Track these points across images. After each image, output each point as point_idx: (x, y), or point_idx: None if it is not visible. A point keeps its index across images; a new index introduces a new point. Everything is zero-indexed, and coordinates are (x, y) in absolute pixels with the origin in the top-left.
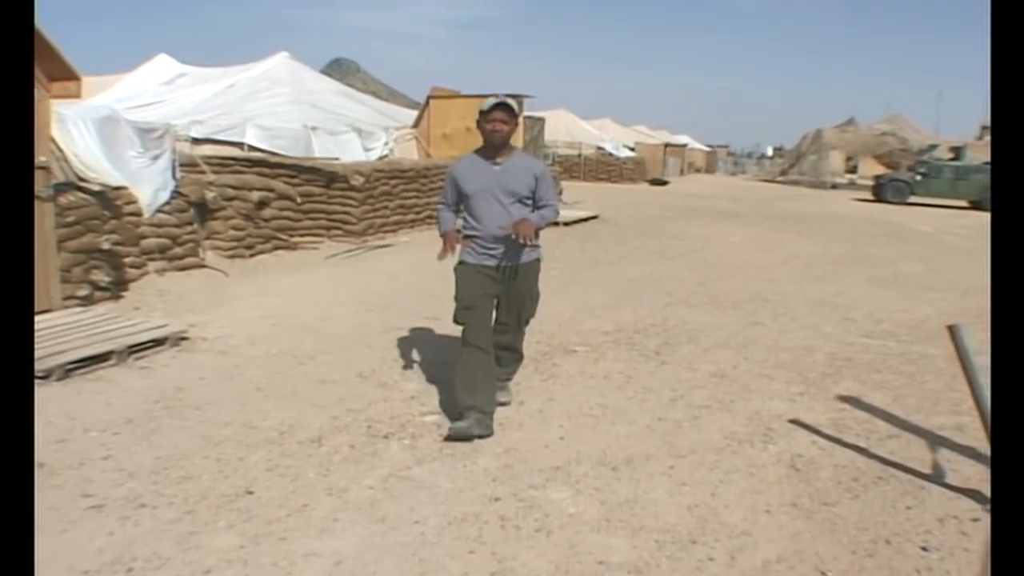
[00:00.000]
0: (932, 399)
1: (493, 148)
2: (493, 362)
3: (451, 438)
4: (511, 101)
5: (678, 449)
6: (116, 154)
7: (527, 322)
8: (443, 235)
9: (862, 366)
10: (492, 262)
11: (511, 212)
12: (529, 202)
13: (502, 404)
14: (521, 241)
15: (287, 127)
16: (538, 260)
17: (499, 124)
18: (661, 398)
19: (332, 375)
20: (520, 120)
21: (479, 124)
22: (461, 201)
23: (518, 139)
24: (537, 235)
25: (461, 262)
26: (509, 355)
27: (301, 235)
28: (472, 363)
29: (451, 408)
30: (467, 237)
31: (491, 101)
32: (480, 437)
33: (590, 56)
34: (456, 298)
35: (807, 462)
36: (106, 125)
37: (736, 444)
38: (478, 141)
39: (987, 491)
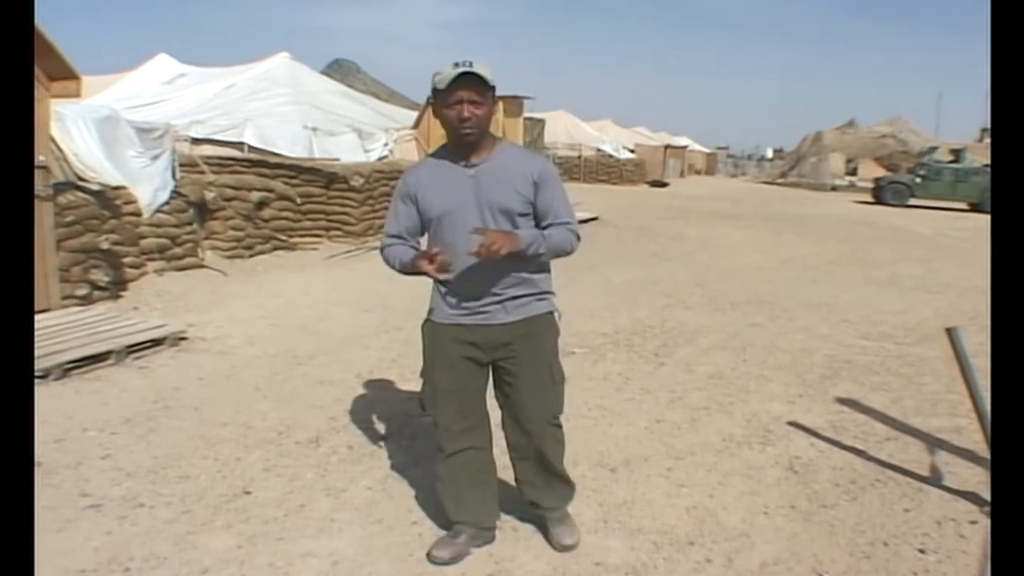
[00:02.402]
0: (930, 401)
1: (464, 145)
2: (490, 459)
3: (437, 562)
4: (483, 70)
5: (676, 451)
6: (116, 154)
7: (555, 422)
8: (413, 262)
9: (860, 368)
10: (471, 319)
11: None
12: (528, 220)
13: (567, 548)
14: (479, 252)
15: (287, 128)
16: (551, 315)
17: (468, 107)
18: (659, 400)
19: (330, 376)
20: (521, 120)
21: (436, 110)
22: (426, 230)
23: (517, 141)
24: (525, 258)
25: (428, 319)
26: (543, 476)
27: (300, 236)
28: (454, 470)
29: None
30: (439, 283)
31: (450, 72)
32: (479, 546)
33: (591, 57)
34: (423, 374)
35: (805, 464)
36: (106, 125)
37: (734, 446)
38: None
39: (985, 493)
